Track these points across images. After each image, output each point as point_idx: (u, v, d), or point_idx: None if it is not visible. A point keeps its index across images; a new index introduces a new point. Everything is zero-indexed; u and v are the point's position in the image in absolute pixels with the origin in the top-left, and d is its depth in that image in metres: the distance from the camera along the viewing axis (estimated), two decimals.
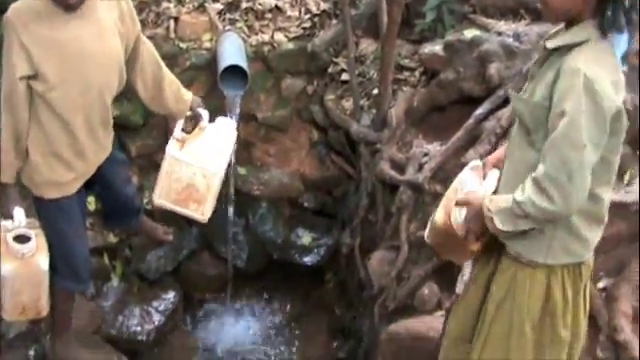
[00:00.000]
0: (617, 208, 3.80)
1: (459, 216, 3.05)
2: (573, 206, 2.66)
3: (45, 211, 3.84)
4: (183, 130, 4.18)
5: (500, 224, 2.79)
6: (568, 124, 2.58)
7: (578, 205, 2.67)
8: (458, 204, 3.04)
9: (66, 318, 4.23)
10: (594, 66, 2.59)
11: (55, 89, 3.51)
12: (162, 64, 4.04)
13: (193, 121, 4.19)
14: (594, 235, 2.93)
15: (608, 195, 2.87)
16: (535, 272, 2.92)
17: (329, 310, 5.75)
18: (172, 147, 4.14)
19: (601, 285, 4.03)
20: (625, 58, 2.78)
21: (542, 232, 2.84)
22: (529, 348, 3.01)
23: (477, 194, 3.01)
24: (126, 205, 4.38)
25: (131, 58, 3.87)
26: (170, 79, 4.07)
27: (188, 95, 4.16)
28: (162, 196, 4.21)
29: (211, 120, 4.25)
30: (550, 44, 2.78)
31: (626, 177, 4.09)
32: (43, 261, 3.76)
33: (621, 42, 2.70)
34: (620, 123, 2.69)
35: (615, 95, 2.61)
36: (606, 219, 2.94)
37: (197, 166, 4.11)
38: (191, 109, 4.16)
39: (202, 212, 4.22)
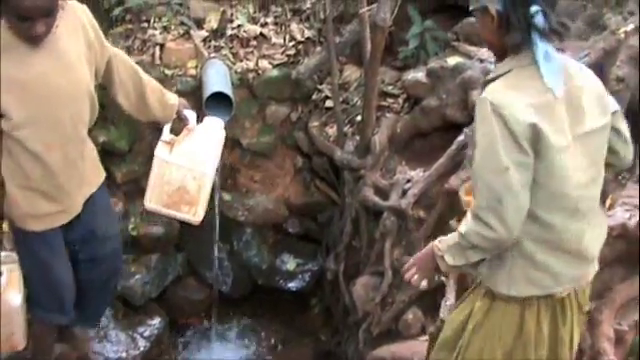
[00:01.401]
0: None
1: None
2: (512, 228, 2.65)
3: (27, 243, 3.70)
4: (171, 132, 4.13)
5: (451, 259, 2.81)
6: (483, 152, 2.63)
7: (518, 225, 2.66)
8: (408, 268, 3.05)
9: (48, 350, 4.16)
10: (506, 91, 2.62)
11: (21, 128, 3.38)
12: (141, 73, 3.93)
13: (180, 123, 4.13)
14: (561, 265, 2.84)
15: (563, 222, 2.79)
16: (509, 303, 2.91)
17: (314, 335, 5.76)
18: (161, 150, 4.10)
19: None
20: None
21: (502, 262, 2.84)
22: None
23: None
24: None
25: (108, 76, 3.78)
26: (152, 87, 3.96)
27: (174, 99, 4.08)
28: (153, 200, 4.16)
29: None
30: (487, 78, 2.81)
31: (608, 202, 4.12)
32: (14, 297, 3.67)
33: (555, 64, 2.70)
34: (542, 145, 2.64)
35: (528, 117, 2.59)
36: (573, 248, 2.86)
37: (187, 168, 4.07)
38: (177, 112, 4.09)
39: (194, 213, 4.16)
